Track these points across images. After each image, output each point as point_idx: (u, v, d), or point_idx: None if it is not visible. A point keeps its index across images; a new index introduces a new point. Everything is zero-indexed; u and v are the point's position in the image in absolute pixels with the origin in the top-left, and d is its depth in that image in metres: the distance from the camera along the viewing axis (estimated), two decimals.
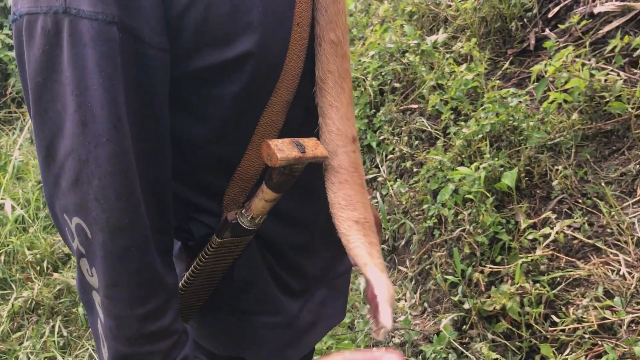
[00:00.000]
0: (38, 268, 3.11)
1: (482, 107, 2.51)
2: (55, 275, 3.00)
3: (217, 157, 0.86)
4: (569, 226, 2.07)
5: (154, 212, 0.75)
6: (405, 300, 2.37)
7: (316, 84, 0.87)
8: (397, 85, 3.06)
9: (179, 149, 0.83)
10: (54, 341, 2.67)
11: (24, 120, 4.55)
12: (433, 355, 2.02)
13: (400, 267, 2.51)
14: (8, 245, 3.20)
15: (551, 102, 2.36)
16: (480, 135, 2.43)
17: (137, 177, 0.70)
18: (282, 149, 0.79)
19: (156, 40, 0.69)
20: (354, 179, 0.89)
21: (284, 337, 1.01)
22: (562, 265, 2.00)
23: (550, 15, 2.87)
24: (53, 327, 2.76)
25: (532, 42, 2.87)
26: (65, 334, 2.74)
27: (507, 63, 2.87)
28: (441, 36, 3.18)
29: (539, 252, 2.03)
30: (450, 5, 3.33)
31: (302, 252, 1.01)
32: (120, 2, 0.65)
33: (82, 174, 0.68)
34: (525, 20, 2.97)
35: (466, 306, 2.10)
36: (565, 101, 2.38)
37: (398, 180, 2.74)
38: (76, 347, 2.68)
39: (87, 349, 2.64)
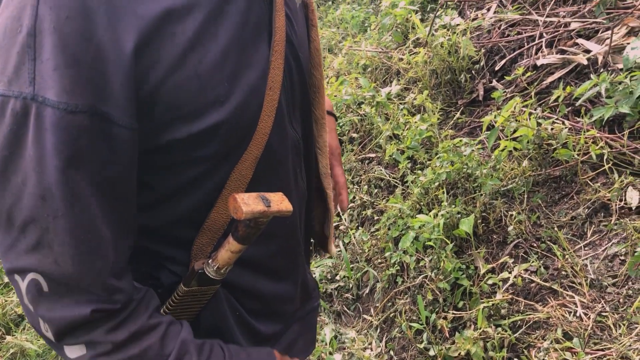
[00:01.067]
0: None
1: (437, 155, 2.60)
2: (8, 338, 2.88)
3: (187, 210, 0.90)
4: (526, 270, 2.15)
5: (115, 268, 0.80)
6: (372, 349, 2.38)
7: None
8: (354, 135, 3.14)
9: (148, 204, 0.87)
10: None
11: None
12: None
13: (365, 316, 2.52)
14: None
15: (502, 150, 2.47)
16: (437, 184, 2.51)
17: (100, 242, 0.76)
18: (248, 203, 0.84)
19: (126, 120, 0.74)
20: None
21: None
22: (522, 308, 2.06)
23: (496, 67, 3.02)
24: None
25: (481, 92, 3.01)
26: None
27: (458, 113, 2.99)
28: (394, 88, 3.30)
29: (499, 296, 2.09)
30: (402, 59, 3.47)
31: (269, 296, 1.05)
32: (92, 90, 0.70)
33: (44, 240, 0.73)
34: (473, 72, 3.12)
35: (432, 353, 2.13)
36: (515, 149, 2.50)
37: (360, 228, 2.78)
38: None
39: None
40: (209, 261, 0.91)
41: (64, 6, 0.68)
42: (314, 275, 2.47)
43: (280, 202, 0.88)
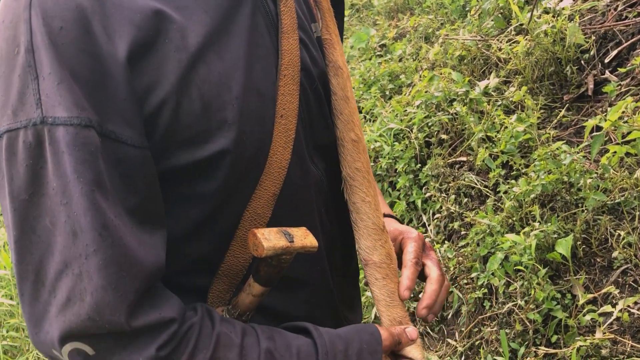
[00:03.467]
0: None
1: (534, 163, 2.31)
2: None
3: (200, 255, 0.82)
4: (635, 303, 1.84)
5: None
6: None
7: (345, 182, 0.93)
8: (444, 136, 2.90)
9: None
10: None
11: None
12: None
13: (449, 340, 2.32)
14: None
15: (611, 157, 2.13)
16: (532, 196, 2.22)
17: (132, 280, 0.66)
18: (269, 238, 0.76)
19: (137, 140, 0.68)
20: (392, 271, 0.94)
21: None
22: (628, 350, 1.76)
23: (610, 57, 2.63)
24: None
25: (591, 86, 2.64)
26: None
27: (564, 110, 2.65)
28: (492, 82, 3.00)
29: (599, 334, 1.80)
30: (501, 49, 3.15)
31: None
32: (98, 108, 0.65)
33: (75, 292, 0.64)
34: (582, 62, 2.74)
35: None
36: (629, 154, 2.15)
37: (446, 242, 2.56)
38: None
39: None
40: (229, 307, 0.83)
41: (57, 16, 0.64)
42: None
43: (304, 237, 0.81)
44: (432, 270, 0.98)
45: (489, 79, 3.09)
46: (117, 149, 0.66)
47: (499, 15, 3.47)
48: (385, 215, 1.06)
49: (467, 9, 4.11)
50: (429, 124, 2.95)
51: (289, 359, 0.77)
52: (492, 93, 2.94)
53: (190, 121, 0.72)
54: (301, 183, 0.87)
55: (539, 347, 1.94)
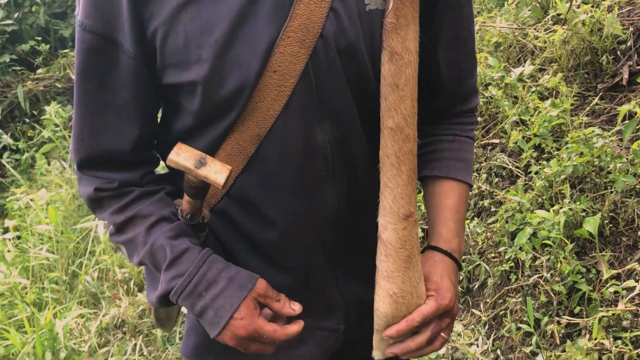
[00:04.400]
0: (125, 287, 3.29)
1: (566, 146, 2.39)
2: (140, 295, 3.16)
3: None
4: None
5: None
6: (477, 346, 2.29)
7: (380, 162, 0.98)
8: (478, 119, 2.99)
9: (167, 141, 1.01)
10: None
11: None
12: None
13: (474, 310, 2.43)
14: (101, 262, 3.41)
15: None
16: (562, 177, 2.31)
17: (106, 131, 0.97)
18: (179, 155, 0.90)
19: (132, 51, 0.92)
20: (399, 254, 0.97)
21: None
22: None
23: None
24: (135, 345, 2.90)
25: (625, 76, 2.71)
26: (145, 353, 2.87)
27: (597, 98, 2.72)
28: (527, 68, 3.07)
29: (621, 306, 1.90)
30: (537, 37, 3.22)
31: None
32: (105, 18, 0.90)
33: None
34: (618, 53, 2.81)
35: (540, 358, 2.00)
36: None
37: (475, 219, 2.66)
38: None
39: None
40: (178, 208, 1.00)
41: None
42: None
43: (216, 172, 0.89)
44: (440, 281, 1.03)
45: (524, 66, 3.17)
46: (116, 53, 0.92)
47: (537, 4, 3.53)
48: (432, 247, 1.08)
49: None
50: None
51: (162, 254, 0.95)
52: (527, 80, 3.02)
53: (174, 50, 0.90)
54: (299, 139, 0.95)
55: (561, 317, 2.04)
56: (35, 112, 5.57)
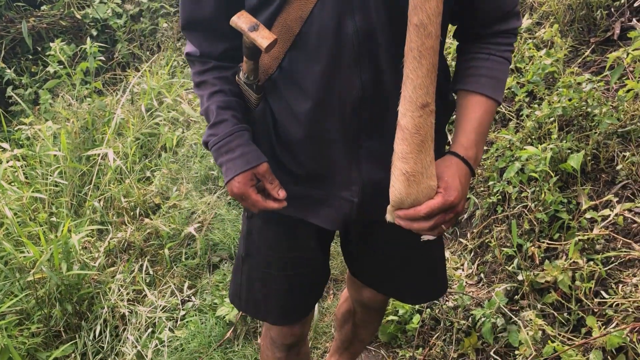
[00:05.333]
0: (132, 214, 3.45)
1: (557, 91, 2.56)
2: (146, 220, 3.33)
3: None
4: (629, 210, 2.12)
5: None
6: (463, 270, 2.50)
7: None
8: None
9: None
10: (141, 277, 3.00)
11: (127, 82, 4.95)
12: (482, 318, 2.14)
13: (461, 240, 2.63)
14: (107, 192, 3.57)
15: (627, 91, 2.38)
16: (551, 118, 2.49)
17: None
18: (240, 18, 1.16)
19: None
20: (413, 139, 1.09)
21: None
22: (619, 246, 2.06)
23: (638, 4, 2.85)
24: (141, 265, 3.08)
25: (617, 31, 2.87)
26: (151, 272, 3.05)
27: (589, 51, 2.89)
28: (526, 22, 3.22)
29: (596, 231, 2.10)
30: None
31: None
32: None
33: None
34: (612, 9, 2.96)
35: (520, 277, 2.21)
36: None
37: None
38: (160, 284, 3.00)
39: (170, 286, 2.94)
40: (242, 71, 1.26)
41: None
42: None
43: (262, 37, 1.14)
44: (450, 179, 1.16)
45: (522, 19, 3.31)
46: None
47: None
48: (451, 152, 1.21)
49: None
50: None
51: (211, 116, 1.28)
52: (524, 34, 3.17)
53: None
54: (332, 26, 1.12)
55: (542, 242, 2.24)
56: (38, 49, 5.64)
